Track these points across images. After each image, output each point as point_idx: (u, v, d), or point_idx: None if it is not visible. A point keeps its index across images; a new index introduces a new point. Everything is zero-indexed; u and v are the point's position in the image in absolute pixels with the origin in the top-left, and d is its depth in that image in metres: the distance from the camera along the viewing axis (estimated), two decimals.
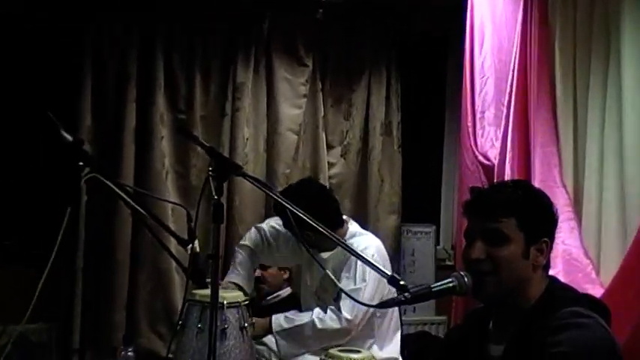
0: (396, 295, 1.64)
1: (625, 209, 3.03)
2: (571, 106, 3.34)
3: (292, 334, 2.87)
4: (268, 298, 3.75)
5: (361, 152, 4.39)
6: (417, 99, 4.56)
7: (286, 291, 3.79)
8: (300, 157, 4.24)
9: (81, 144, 1.96)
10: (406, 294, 1.61)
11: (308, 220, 1.98)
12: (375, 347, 2.94)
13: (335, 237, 2.04)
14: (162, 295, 3.89)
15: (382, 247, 2.97)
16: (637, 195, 2.96)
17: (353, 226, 3.02)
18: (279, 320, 2.91)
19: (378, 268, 1.74)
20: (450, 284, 1.62)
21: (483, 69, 3.70)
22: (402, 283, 1.65)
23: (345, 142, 4.37)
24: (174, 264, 3.78)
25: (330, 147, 4.34)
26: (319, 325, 2.83)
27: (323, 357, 2.69)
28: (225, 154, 3.88)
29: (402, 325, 3.22)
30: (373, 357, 2.69)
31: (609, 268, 3.10)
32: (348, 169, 4.37)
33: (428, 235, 4.61)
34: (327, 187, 4.15)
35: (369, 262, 1.82)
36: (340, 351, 2.70)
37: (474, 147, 3.70)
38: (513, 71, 3.39)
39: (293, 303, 3.35)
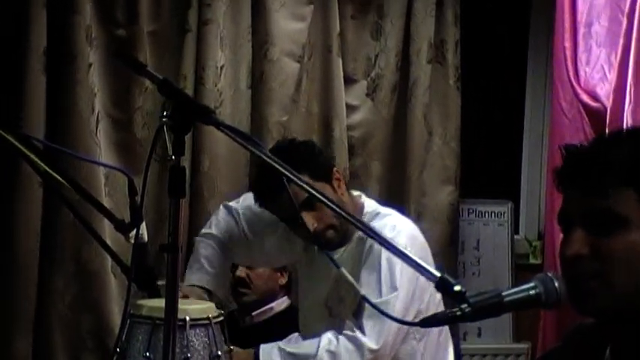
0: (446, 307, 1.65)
1: None
2: None
3: None
4: (255, 313, 3.78)
5: (398, 89, 4.39)
6: (485, 7, 4.54)
7: (282, 302, 3.82)
8: (303, 96, 4.25)
9: None
10: (464, 306, 1.60)
11: (317, 195, 1.98)
12: None
13: (357, 220, 2.03)
14: (90, 310, 3.90)
15: (419, 233, 2.98)
16: None
17: (369, 203, 3.05)
18: (270, 354, 2.92)
19: (418, 264, 1.74)
20: (532, 291, 1.61)
21: None
22: (457, 288, 1.64)
23: (374, 74, 4.37)
24: (109, 261, 3.80)
25: (350, 81, 4.35)
26: None
27: None
28: (188, 91, 3.88)
29: (460, 356, 3.24)
30: None
31: None
32: (377, 116, 4.38)
33: (501, 218, 4.64)
34: (346, 141, 4.19)
35: (404, 254, 1.81)
36: None
37: (573, 80, 3.72)
38: None
39: (292, 322, 3.37)
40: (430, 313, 3.00)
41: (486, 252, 4.63)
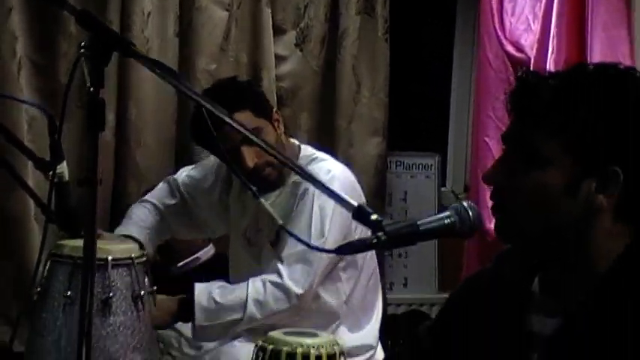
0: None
1: None
2: None
3: (218, 324, 2.95)
4: (180, 264, 3.79)
5: (327, 40, 4.40)
6: None
7: (208, 251, 3.83)
8: (232, 45, 4.24)
9: None
10: (380, 234, 1.63)
11: (247, 132, 2.00)
12: (341, 329, 3.05)
13: (287, 159, 2.06)
14: (11, 258, 3.88)
15: (353, 178, 3.03)
16: None
17: (305, 147, 3.12)
18: (200, 300, 2.95)
19: (340, 197, 1.77)
20: (447, 220, 1.64)
21: None
22: (373, 217, 1.66)
23: (302, 25, 4.37)
24: (32, 208, 3.79)
25: (279, 31, 4.34)
26: (258, 315, 2.91)
27: (261, 343, 2.76)
28: None
29: (386, 304, 3.29)
30: (337, 343, 2.77)
31: None
32: (306, 67, 4.39)
33: (429, 170, 4.70)
34: (275, 92, 4.21)
35: (330, 190, 1.85)
36: (287, 334, 2.77)
37: (499, 31, 3.79)
38: None
39: (219, 269, 3.40)
40: (359, 262, 3.08)
41: (413, 204, 4.69)
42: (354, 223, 2.60)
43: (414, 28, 4.56)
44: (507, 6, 3.75)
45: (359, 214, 1.70)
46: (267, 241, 3.02)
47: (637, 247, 1.58)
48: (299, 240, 2.11)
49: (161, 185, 3.35)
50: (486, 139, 3.76)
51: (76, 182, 2.00)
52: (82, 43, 1.86)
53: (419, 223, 1.65)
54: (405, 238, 1.65)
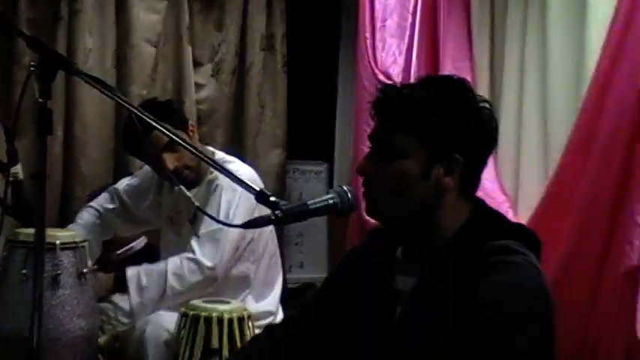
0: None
1: (547, 134, 3.23)
2: (487, 15, 3.49)
3: (148, 299, 2.92)
4: (119, 252, 3.74)
5: (237, 71, 4.42)
6: (306, 6, 4.57)
7: (141, 241, 3.79)
8: (159, 75, 4.22)
9: None
10: (278, 212, 1.65)
11: (173, 136, 2.01)
12: (249, 299, 3.06)
13: (205, 156, 2.06)
14: None
15: (257, 177, 3.05)
16: (561, 111, 3.15)
17: (219, 154, 3.12)
18: (133, 273, 2.95)
19: (246, 184, 1.78)
20: (330, 201, 1.67)
21: None
22: (272, 199, 1.68)
23: (217, 59, 4.39)
24: None
25: (197, 64, 4.34)
26: (177, 286, 2.89)
27: (184, 310, 2.76)
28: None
29: (286, 282, 3.31)
30: (245, 309, 2.80)
31: (528, 203, 3.31)
32: (220, 93, 4.40)
33: (319, 176, 4.74)
34: (195, 113, 4.20)
35: (239, 180, 1.84)
36: (205, 302, 2.78)
37: (372, 63, 3.81)
38: None
39: (151, 256, 3.37)
40: (262, 241, 3.09)
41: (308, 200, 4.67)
42: (257, 211, 2.63)
43: (307, 61, 4.57)
44: (378, 44, 3.79)
45: (261, 197, 1.72)
46: (187, 220, 3.03)
47: (475, 218, 1.63)
48: (211, 217, 2.12)
49: (103, 194, 3.33)
50: (363, 147, 3.80)
51: (29, 177, 1.96)
52: (32, 63, 1.83)
53: (309, 203, 1.67)
54: (297, 215, 1.67)
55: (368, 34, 3.84)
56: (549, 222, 3.07)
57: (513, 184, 3.43)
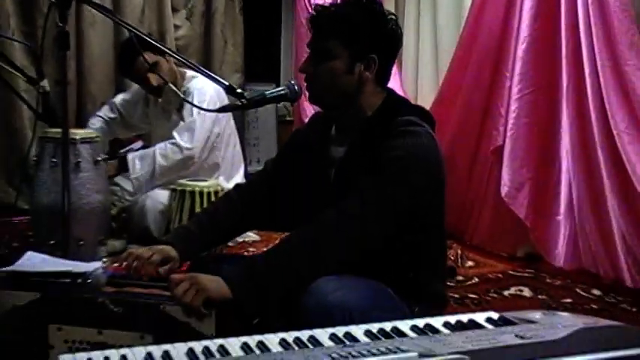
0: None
1: (438, 44, 3.34)
2: None
3: (143, 176, 2.91)
4: (122, 150, 3.74)
5: (205, 15, 4.36)
6: None
7: (138, 144, 3.79)
8: (146, 19, 4.14)
9: None
10: (243, 100, 1.68)
11: (158, 45, 2.05)
12: (220, 178, 3.07)
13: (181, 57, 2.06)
14: (12, 147, 3.75)
15: (219, 88, 3.04)
16: (448, 43, 3.26)
17: (190, 72, 3.07)
18: (130, 160, 2.95)
19: (215, 78, 1.79)
20: (283, 91, 1.69)
21: None
22: (239, 90, 1.71)
23: (190, 6, 4.32)
24: (26, 115, 3.66)
25: (175, 10, 4.27)
26: (163, 163, 2.88)
27: (173, 187, 2.80)
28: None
29: (248, 174, 3.35)
30: (219, 185, 2.85)
31: (426, 99, 3.44)
32: (193, 31, 4.34)
33: None
34: (175, 47, 4.14)
35: (213, 77, 1.83)
36: (189, 180, 2.83)
37: (307, 2, 3.78)
38: None
39: None
40: (226, 135, 3.09)
41: (262, 114, 4.65)
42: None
43: (258, 6, 4.53)
44: None
45: (229, 89, 1.74)
46: (174, 108, 3.03)
47: (388, 102, 1.64)
48: (192, 104, 2.08)
49: (105, 106, 3.29)
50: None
51: (54, 83, 1.96)
52: None
53: (266, 92, 1.69)
54: (258, 102, 1.69)
55: None
56: (442, 111, 3.18)
57: (413, 85, 3.54)
